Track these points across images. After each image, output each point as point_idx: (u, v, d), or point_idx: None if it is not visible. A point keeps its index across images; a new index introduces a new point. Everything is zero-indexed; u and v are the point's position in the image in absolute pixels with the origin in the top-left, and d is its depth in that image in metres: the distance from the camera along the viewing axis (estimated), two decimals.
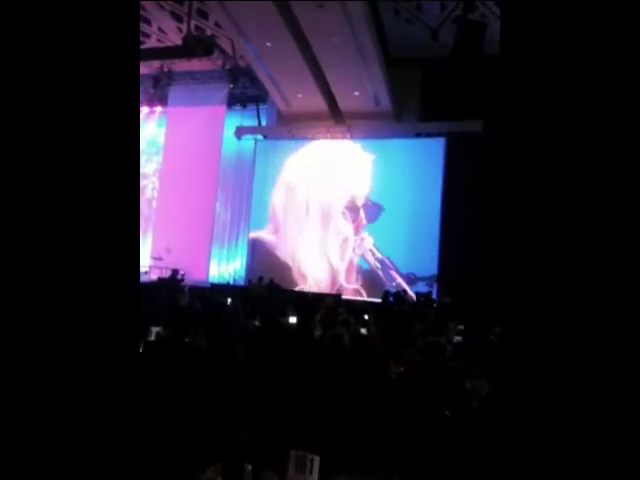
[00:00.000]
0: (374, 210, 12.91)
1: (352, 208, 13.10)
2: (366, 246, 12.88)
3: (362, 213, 12.98)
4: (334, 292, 12.35)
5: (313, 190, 13.56)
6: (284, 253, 13.72)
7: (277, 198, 13.98)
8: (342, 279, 13.01)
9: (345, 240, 13.10)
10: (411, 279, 12.25)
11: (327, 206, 13.33)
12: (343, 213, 13.17)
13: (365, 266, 12.87)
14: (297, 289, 12.91)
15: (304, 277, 13.45)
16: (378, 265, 12.71)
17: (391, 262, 12.58)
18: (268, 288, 10.56)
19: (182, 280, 11.14)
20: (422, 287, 11.75)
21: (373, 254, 12.78)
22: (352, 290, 12.82)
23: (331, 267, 13.17)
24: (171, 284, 10.34)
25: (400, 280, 12.36)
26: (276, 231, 13.90)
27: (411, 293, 11.20)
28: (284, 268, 13.53)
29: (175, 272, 11.14)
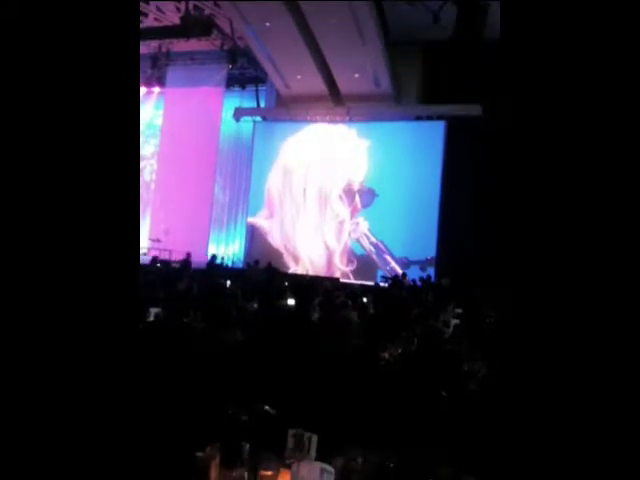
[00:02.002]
0: (369, 194, 12.90)
1: (349, 191, 13.09)
2: (361, 230, 12.90)
3: (357, 197, 12.97)
4: (330, 275, 12.41)
5: (311, 172, 13.53)
6: (280, 235, 13.74)
7: (275, 180, 13.94)
8: (337, 262, 13.05)
9: (341, 223, 13.12)
10: (404, 263, 12.29)
11: (325, 189, 13.31)
12: (340, 196, 13.15)
13: (360, 250, 12.90)
14: (292, 271, 12.98)
15: (300, 260, 13.49)
16: (372, 249, 12.74)
17: (385, 246, 12.60)
18: (266, 271, 10.60)
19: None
20: (415, 271, 11.80)
21: (368, 238, 12.80)
22: (346, 273, 12.87)
23: (327, 249, 13.19)
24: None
25: (394, 264, 12.40)
26: (273, 214, 13.89)
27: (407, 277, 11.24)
28: (280, 251, 13.57)
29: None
